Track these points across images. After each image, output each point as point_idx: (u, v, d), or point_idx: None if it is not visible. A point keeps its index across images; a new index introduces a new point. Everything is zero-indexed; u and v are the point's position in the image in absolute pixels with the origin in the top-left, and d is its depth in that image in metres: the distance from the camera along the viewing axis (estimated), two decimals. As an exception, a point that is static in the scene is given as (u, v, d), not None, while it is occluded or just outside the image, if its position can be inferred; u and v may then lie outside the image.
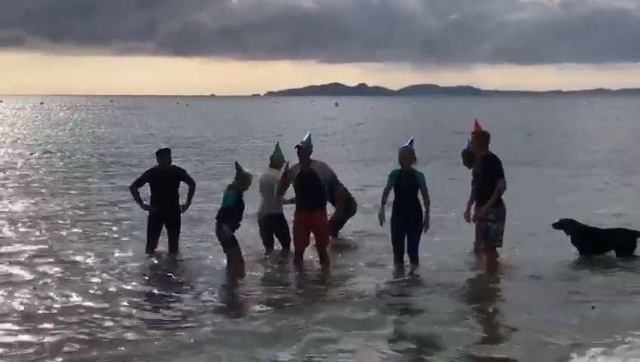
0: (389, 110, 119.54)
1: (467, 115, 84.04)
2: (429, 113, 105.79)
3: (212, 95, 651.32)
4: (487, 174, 10.28)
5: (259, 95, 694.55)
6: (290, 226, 11.67)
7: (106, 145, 38.05)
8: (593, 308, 9.02)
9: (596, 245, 11.92)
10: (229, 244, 10.91)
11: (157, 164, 12.20)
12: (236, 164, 11.18)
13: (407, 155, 10.87)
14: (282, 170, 11.31)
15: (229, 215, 10.81)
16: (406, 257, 11.11)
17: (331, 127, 59.86)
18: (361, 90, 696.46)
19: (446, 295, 9.81)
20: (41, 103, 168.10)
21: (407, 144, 11.02)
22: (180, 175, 12.26)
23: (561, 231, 12.19)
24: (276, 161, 12.12)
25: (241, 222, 11.06)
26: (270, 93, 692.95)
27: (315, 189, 10.90)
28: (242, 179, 10.93)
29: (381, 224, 10.97)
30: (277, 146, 12.44)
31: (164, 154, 12.14)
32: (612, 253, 11.96)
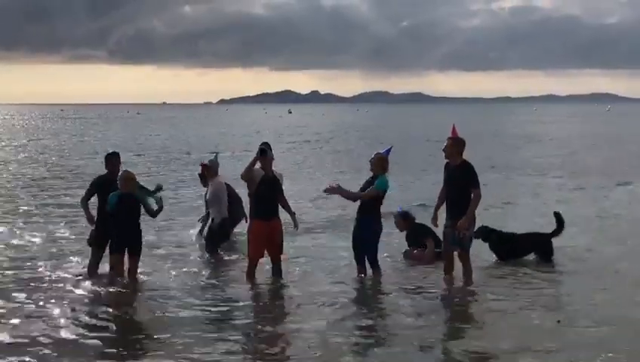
0: (345, 117, 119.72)
1: (425, 122, 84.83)
2: (387, 120, 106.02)
3: (164, 103, 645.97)
4: (462, 183, 10.25)
5: (211, 103, 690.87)
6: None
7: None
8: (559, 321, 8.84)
9: (514, 250, 12.11)
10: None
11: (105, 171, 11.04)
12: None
13: (376, 159, 10.69)
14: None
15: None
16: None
17: (298, 134, 59.85)
18: (313, 97, 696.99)
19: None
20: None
21: (383, 151, 10.81)
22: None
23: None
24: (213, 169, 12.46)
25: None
26: (222, 101, 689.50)
27: (275, 197, 10.61)
28: (121, 179, 10.39)
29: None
30: (216, 156, 12.66)
31: (112, 159, 11.02)
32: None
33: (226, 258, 12.44)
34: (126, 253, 10.58)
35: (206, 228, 13.19)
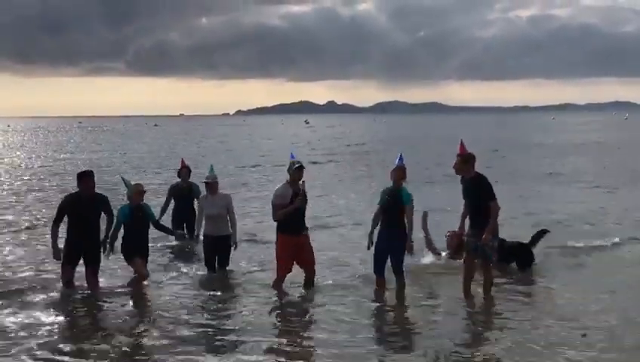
0: (366, 127, 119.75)
1: (449, 131, 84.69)
2: (408, 129, 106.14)
3: (181, 114, 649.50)
4: (477, 195, 10.26)
5: (228, 114, 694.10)
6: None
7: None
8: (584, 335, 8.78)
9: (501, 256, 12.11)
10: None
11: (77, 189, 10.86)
12: (122, 178, 11.51)
13: (395, 171, 10.66)
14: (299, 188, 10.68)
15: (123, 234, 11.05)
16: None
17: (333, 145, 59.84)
18: (330, 107, 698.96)
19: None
20: (8, 126, 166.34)
21: (397, 161, 10.77)
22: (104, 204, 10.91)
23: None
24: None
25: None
26: (240, 112, 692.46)
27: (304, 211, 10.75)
28: (130, 190, 11.12)
29: (368, 248, 10.82)
30: (211, 168, 12.32)
31: (84, 177, 10.82)
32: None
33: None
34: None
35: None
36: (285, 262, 10.73)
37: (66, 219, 10.74)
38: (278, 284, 10.87)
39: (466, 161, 10.41)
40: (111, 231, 10.93)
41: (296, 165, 10.52)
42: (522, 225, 15.71)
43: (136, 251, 11.05)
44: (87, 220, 10.65)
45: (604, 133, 76.10)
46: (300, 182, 10.58)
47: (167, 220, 14.01)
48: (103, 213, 10.85)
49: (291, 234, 10.57)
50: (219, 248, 11.82)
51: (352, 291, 10.97)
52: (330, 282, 11.36)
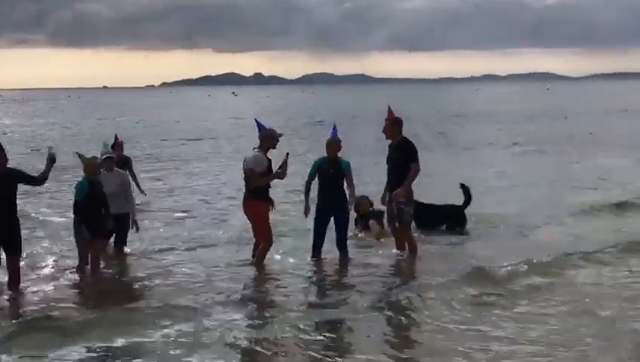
0: (293, 99, 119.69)
1: (371, 102, 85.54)
2: (337, 101, 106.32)
3: (104, 87, 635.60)
4: (402, 159, 10.74)
5: (153, 86, 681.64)
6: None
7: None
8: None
9: (431, 220, 12.88)
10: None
11: None
12: (77, 153, 10.60)
13: (331, 144, 10.87)
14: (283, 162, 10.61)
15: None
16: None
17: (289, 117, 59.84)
18: (257, 79, 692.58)
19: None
20: None
21: (330, 133, 11.01)
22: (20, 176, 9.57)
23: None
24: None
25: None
26: (165, 84, 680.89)
27: None
28: (85, 165, 10.22)
29: (305, 215, 10.98)
30: (104, 144, 11.78)
31: None
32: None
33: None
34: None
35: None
36: (270, 229, 10.72)
37: None
38: (263, 256, 10.77)
39: (394, 124, 10.87)
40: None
41: (279, 135, 10.62)
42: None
43: (94, 231, 10.15)
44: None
45: (526, 103, 78.07)
46: (285, 154, 10.57)
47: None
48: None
49: (268, 201, 10.63)
50: (116, 226, 10.89)
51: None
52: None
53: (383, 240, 12.23)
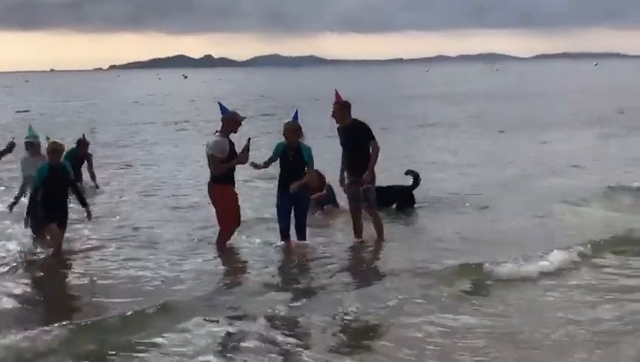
0: (243, 82, 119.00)
1: (323, 84, 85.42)
2: (289, 83, 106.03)
3: (52, 70, 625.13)
4: (358, 140, 10.68)
5: (101, 69, 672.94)
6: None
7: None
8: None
9: (381, 200, 12.72)
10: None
11: None
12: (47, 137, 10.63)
13: (292, 129, 10.63)
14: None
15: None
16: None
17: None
18: (207, 61, 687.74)
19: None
20: None
21: (291, 117, 10.72)
22: None
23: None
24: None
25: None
26: (114, 67, 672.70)
27: None
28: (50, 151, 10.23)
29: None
30: (30, 128, 11.70)
31: None
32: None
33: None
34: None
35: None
36: (234, 214, 10.58)
37: None
38: (223, 241, 10.69)
39: (342, 107, 10.78)
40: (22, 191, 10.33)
41: (242, 118, 10.54)
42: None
43: (52, 216, 10.21)
44: None
45: (477, 83, 78.76)
46: (247, 138, 10.45)
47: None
48: None
49: (233, 185, 10.50)
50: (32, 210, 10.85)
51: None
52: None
53: (340, 221, 12.29)
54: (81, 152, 15.69)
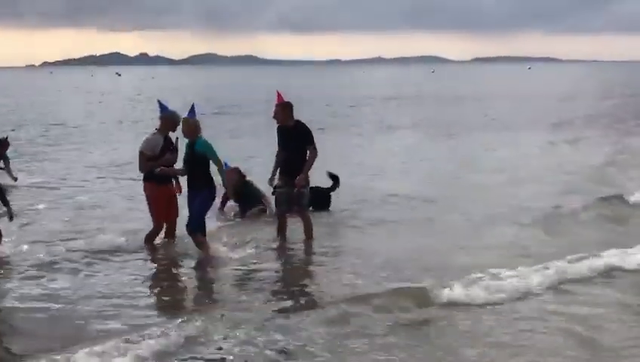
0: (177, 80, 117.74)
1: (261, 85, 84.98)
2: (226, 82, 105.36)
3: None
4: (298, 143, 10.60)
5: (34, 65, 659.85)
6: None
7: None
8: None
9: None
10: None
11: None
12: None
13: (187, 125, 10.14)
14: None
15: None
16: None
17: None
18: (142, 59, 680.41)
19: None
20: None
21: (188, 113, 10.23)
22: None
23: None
24: None
25: None
26: (46, 64, 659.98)
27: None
28: None
29: None
30: None
31: None
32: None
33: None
34: None
35: None
36: (163, 213, 10.51)
37: None
38: (152, 238, 10.62)
39: (284, 107, 10.70)
40: None
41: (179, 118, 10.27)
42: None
43: None
44: None
45: (412, 86, 79.37)
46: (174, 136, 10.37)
47: None
48: None
49: (166, 184, 10.37)
50: None
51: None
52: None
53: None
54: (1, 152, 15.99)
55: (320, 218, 12.40)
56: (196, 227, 10.19)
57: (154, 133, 10.43)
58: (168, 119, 10.36)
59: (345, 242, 11.39)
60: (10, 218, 10.41)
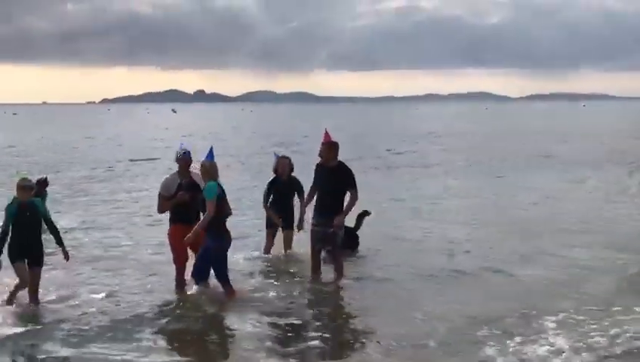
0: (230, 116, 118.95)
1: (313, 121, 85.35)
2: (281, 118, 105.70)
3: (44, 102, 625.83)
4: (338, 185, 10.50)
5: (94, 102, 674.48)
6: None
7: None
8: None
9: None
10: None
11: None
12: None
13: (207, 169, 9.84)
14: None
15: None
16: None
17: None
18: (199, 96, 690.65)
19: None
20: None
21: (207, 156, 9.86)
22: None
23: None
24: None
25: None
26: (105, 100, 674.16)
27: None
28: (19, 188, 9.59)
29: None
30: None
31: None
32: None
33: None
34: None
35: None
36: (181, 252, 10.30)
37: None
38: (177, 278, 10.45)
39: (330, 148, 10.60)
40: None
41: (182, 153, 10.28)
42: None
43: (20, 253, 9.55)
44: None
45: (467, 123, 78.84)
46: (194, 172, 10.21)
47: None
48: None
49: (183, 224, 10.05)
50: None
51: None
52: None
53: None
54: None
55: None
56: (197, 276, 9.99)
57: (172, 174, 10.46)
58: (180, 161, 10.33)
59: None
60: (66, 257, 10.01)
